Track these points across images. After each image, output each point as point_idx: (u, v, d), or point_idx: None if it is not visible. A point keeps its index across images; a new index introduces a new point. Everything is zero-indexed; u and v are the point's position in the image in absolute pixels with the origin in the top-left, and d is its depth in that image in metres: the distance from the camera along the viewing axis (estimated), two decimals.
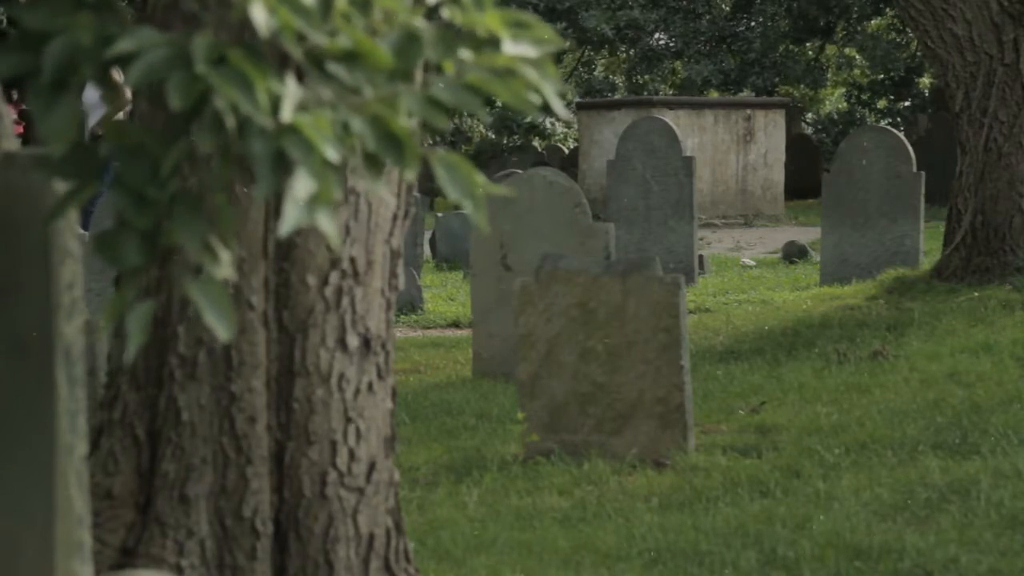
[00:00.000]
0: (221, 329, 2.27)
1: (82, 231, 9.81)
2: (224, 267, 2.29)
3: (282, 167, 2.20)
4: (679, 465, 7.39)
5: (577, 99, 27.85)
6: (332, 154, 2.19)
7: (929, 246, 15.12)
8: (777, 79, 33.77)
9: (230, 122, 2.16)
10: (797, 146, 29.35)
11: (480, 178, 2.34)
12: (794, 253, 18.12)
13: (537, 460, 7.55)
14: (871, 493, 6.72)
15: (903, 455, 7.37)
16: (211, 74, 2.16)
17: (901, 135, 14.92)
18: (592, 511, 6.70)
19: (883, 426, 7.96)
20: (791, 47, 34.61)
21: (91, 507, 3.19)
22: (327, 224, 2.21)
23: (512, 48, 2.36)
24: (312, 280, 4.56)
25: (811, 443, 7.68)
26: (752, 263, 18.10)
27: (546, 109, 2.42)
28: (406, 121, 2.26)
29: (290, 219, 2.20)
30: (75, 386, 2.85)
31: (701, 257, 16.70)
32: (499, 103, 2.51)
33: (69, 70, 2.24)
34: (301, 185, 2.18)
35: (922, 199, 14.42)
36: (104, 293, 10.38)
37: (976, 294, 11.43)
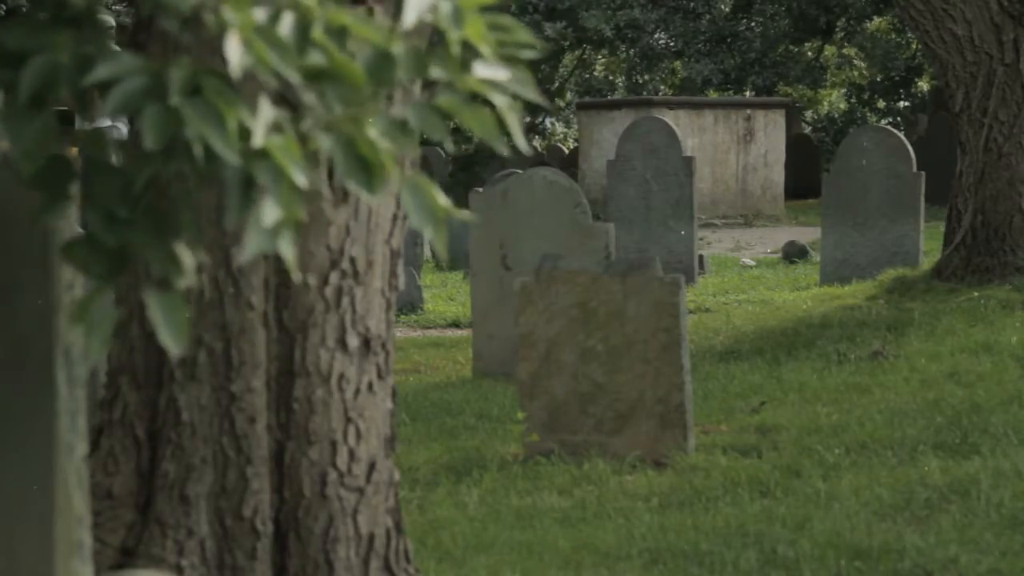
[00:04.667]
0: (173, 345, 2.25)
1: (82, 230, 9.78)
2: (187, 276, 2.27)
3: (252, 191, 2.18)
4: (679, 465, 7.38)
5: (577, 99, 27.78)
6: (301, 179, 2.18)
7: (929, 246, 15.11)
8: (777, 79, 33.75)
9: (198, 151, 2.16)
10: (797, 146, 29.33)
11: (443, 203, 2.31)
12: (794, 253, 18.11)
13: (537, 460, 7.54)
14: (871, 493, 6.72)
15: (903, 455, 7.37)
16: (184, 107, 2.15)
17: (901, 135, 14.92)
18: (592, 511, 6.70)
19: (883, 426, 7.95)
20: (791, 47, 34.60)
21: (91, 507, 3.19)
22: (288, 251, 2.20)
23: (484, 71, 2.33)
24: (312, 280, 4.56)
25: (811, 443, 7.68)
26: (752, 263, 18.09)
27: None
28: (380, 141, 2.24)
29: (252, 246, 2.18)
30: (75, 386, 2.85)
31: (701, 257, 16.69)
32: None
33: (47, 89, 2.22)
34: (268, 212, 2.17)
35: (922, 199, 14.42)
36: None
37: (976, 294, 11.43)
